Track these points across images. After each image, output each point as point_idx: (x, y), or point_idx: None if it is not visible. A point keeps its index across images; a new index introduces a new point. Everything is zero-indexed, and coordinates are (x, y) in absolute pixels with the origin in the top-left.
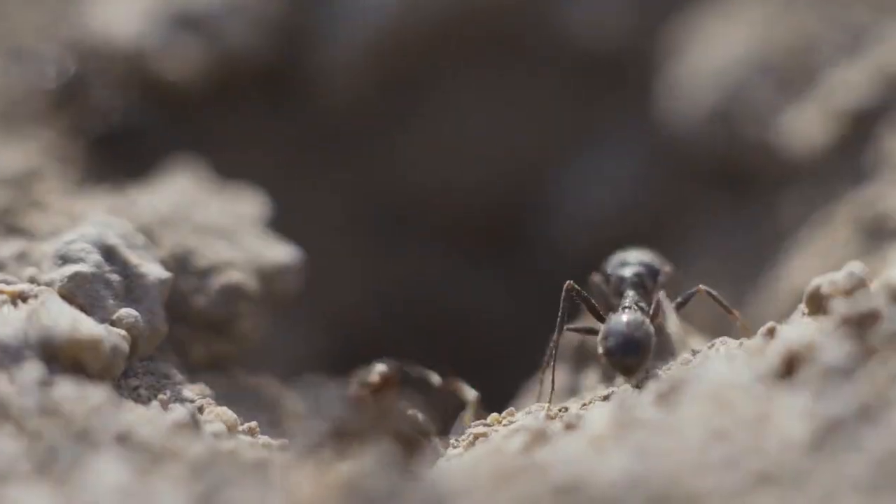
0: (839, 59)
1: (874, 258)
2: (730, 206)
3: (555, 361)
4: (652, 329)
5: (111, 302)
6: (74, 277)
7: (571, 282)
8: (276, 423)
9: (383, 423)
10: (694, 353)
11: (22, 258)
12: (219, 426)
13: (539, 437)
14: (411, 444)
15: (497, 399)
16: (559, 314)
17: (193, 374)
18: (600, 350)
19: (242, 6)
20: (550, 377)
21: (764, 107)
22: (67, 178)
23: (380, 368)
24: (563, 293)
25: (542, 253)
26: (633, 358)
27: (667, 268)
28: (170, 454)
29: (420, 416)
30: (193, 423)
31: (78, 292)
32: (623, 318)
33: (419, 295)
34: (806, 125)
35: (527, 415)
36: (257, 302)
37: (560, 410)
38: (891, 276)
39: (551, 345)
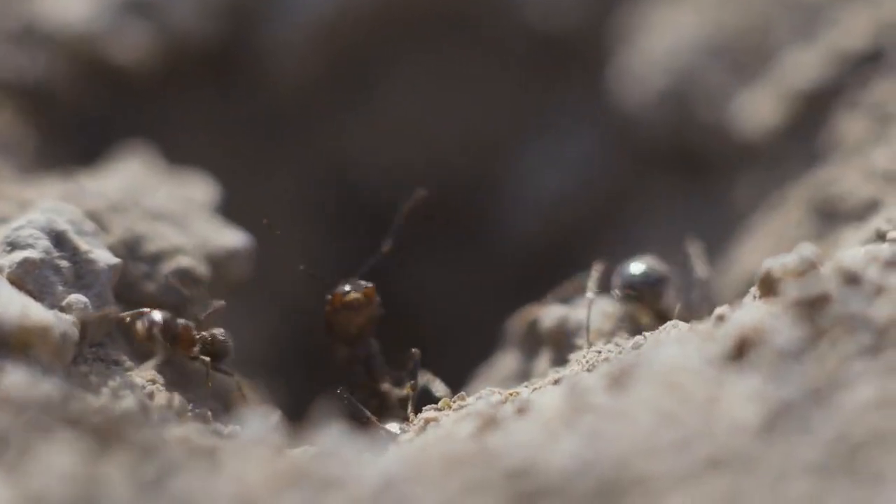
0: (792, 42)
1: (826, 240)
2: (684, 188)
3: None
4: (668, 274)
5: (60, 288)
6: (23, 263)
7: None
8: (228, 409)
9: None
10: (645, 336)
11: None
12: (173, 411)
13: (490, 423)
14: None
15: (449, 384)
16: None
17: (144, 360)
18: (618, 282)
19: None
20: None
21: (716, 89)
22: (16, 164)
23: (363, 284)
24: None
25: (496, 236)
26: (649, 287)
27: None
28: (119, 441)
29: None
30: (143, 410)
31: (27, 278)
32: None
33: (371, 279)
34: (759, 107)
35: (478, 399)
36: (208, 287)
37: (511, 395)
38: (841, 259)
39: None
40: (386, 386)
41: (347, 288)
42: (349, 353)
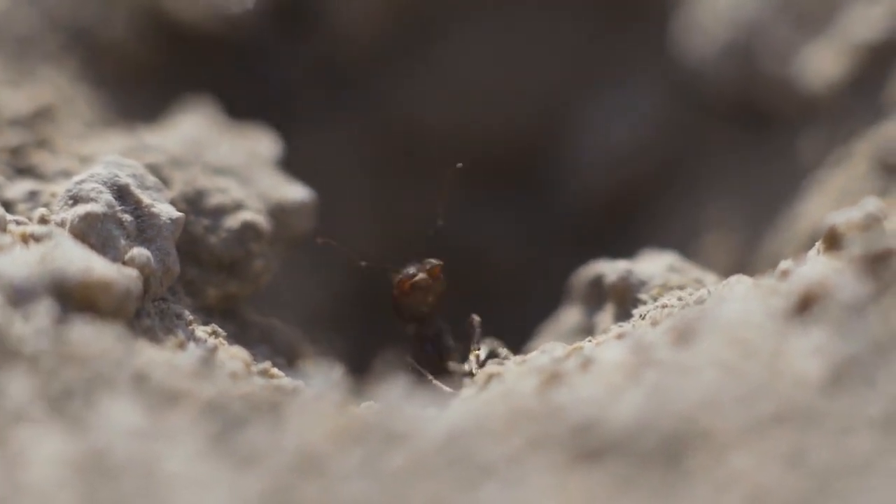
0: None
1: (891, 195)
2: (747, 143)
3: None
4: None
5: (123, 242)
6: (86, 217)
7: None
8: (291, 364)
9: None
10: (709, 291)
11: (32, 198)
12: (236, 365)
13: (553, 378)
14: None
15: (512, 339)
16: None
17: (206, 315)
18: None
19: None
20: None
21: (781, 42)
22: (78, 119)
23: (431, 262)
24: None
25: (560, 192)
26: None
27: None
28: (184, 395)
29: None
30: (208, 364)
31: (90, 232)
32: None
33: (435, 236)
34: (823, 61)
35: (541, 354)
36: (270, 241)
37: (574, 349)
38: None
39: None
40: (452, 364)
41: (413, 271)
42: (418, 332)
